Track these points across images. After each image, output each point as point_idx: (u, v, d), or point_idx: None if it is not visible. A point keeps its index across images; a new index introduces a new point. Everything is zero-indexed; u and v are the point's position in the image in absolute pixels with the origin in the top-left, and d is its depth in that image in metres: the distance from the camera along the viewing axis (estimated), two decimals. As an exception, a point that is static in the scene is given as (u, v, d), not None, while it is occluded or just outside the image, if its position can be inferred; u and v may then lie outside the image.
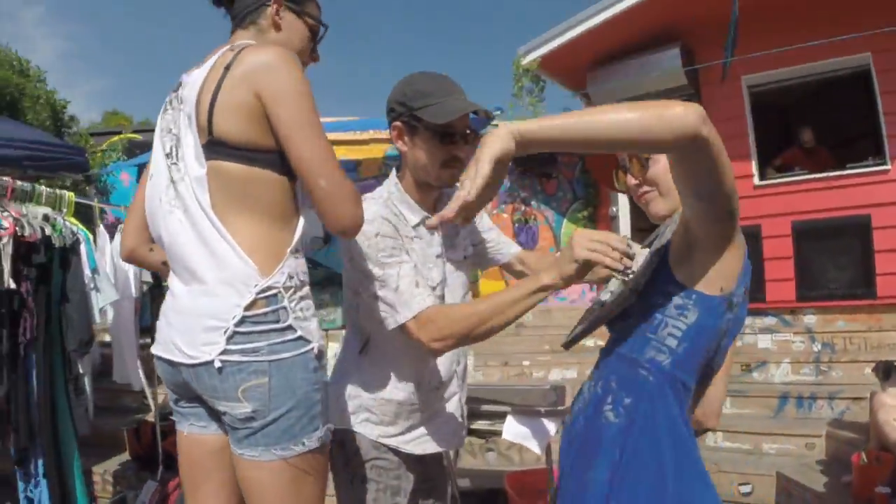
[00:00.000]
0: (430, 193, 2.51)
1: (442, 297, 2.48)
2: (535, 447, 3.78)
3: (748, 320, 8.05)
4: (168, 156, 2.08)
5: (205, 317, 1.94)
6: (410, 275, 2.26)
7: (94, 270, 5.17)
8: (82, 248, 5.01)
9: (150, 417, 6.65)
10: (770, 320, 8.30)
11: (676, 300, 1.79)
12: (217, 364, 1.89)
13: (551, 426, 3.77)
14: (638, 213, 10.08)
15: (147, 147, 10.01)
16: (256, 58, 1.96)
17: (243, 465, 1.99)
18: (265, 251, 1.99)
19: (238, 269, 1.94)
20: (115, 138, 13.56)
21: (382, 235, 2.28)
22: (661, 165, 1.98)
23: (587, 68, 9.62)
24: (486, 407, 3.89)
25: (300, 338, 1.99)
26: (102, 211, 6.32)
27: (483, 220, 2.79)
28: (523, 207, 11.10)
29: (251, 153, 1.96)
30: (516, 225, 11.08)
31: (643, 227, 10.18)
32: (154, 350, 2.13)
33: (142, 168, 9.87)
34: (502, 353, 8.37)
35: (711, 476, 1.85)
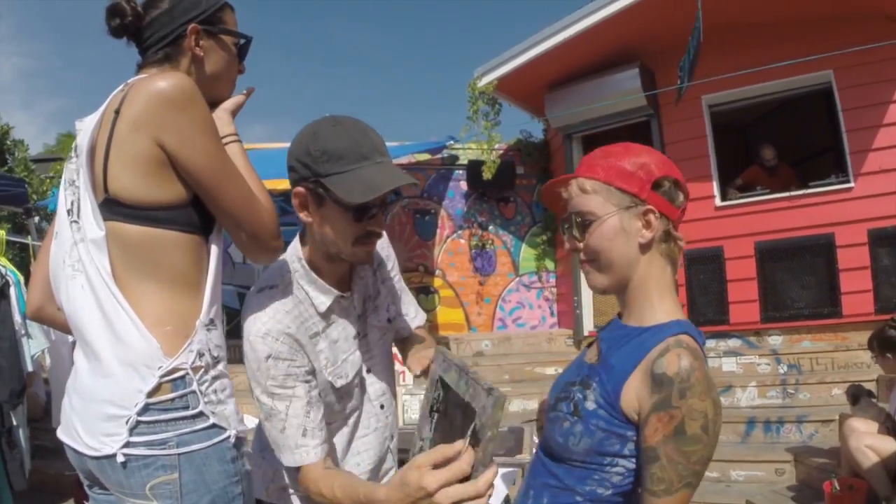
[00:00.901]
0: (343, 265, 2.15)
1: (361, 387, 2.23)
2: (492, 499, 3.62)
3: (712, 343, 8.05)
4: (69, 212, 1.86)
5: (105, 403, 1.70)
6: (300, 416, 1.96)
7: (25, 316, 4.86)
8: (12, 291, 4.75)
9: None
10: (734, 342, 8.22)
11: (631, 445, 1.65)
12: (120, 458, 1.66)
13: (509, 475, 3.64)
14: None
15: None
16: (148, 94, 1.70)
17: None
18: (171, 325, 1.77)
19: (139, 348, 1.71)
20: (60, 165, 13.20)
21: (275, 358, 1.95)
22: (601, 235, 1.75)
23: (545, 90, 9.55)
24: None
25: (213, 426, 1.76)
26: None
27: (398, 279, 2.49)
28: (480, 232, 10.99)
29: (152, 212, 1.74)
30: (473, 250, 10.99)
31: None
32: (59, 433, 1.87)
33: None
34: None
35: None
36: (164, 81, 1.70)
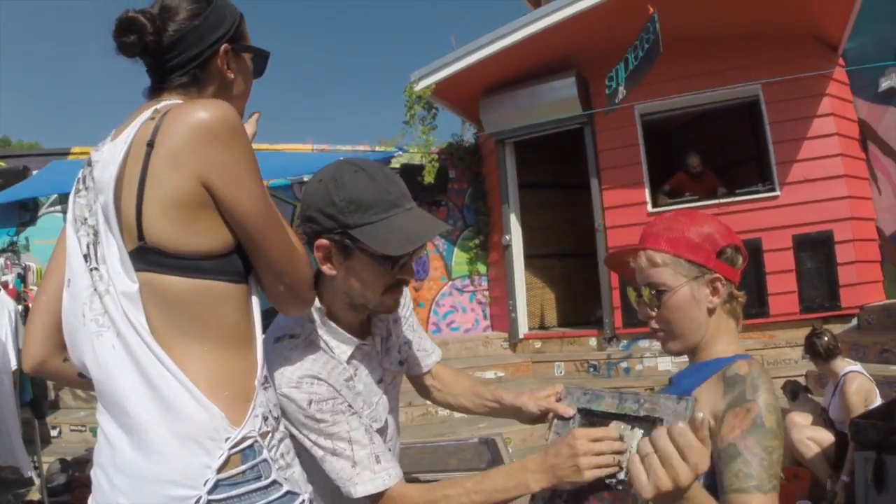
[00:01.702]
0: (364, 313, 2.05)
1: (387, 429, 2.15)
2: None
3: (646, 343, 8.45)
4: (87, 258, 1.58)
5: (165, 483, 1.46)
6: (366, 446, 1.86)
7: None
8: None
9: (36, 494, 6.34)
10: (667, 342, 8.59)
11: None
12: None
13: None
14: (530, 241, 10.33)
15: (12, 177, 9.36)
16: (190, 126, 1.47)
17: None
18: (229, 390, 1.55)
19: (200, 419, 1.48)
20: None
21: (317, 401, 1.84)
22: (674, 306, 1.88)
23: (481, 95, 9.74)
24: (424, 476, 3.75)
25: (288, 493, 1.58)
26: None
27: (410, 317, 2.39)
28: (412, 237, 10.99)
29: (197, 261, 1.51)
30: (405, 255, 11.01)
31: (535, 253, 10.39)
32: None
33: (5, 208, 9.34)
34: (403, 391, 8.33)
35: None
36: (205, 112, 1.48)
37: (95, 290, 1.55)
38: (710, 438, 1.39)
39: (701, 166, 9.65)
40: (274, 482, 1.54)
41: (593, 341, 9.07)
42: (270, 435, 1.59)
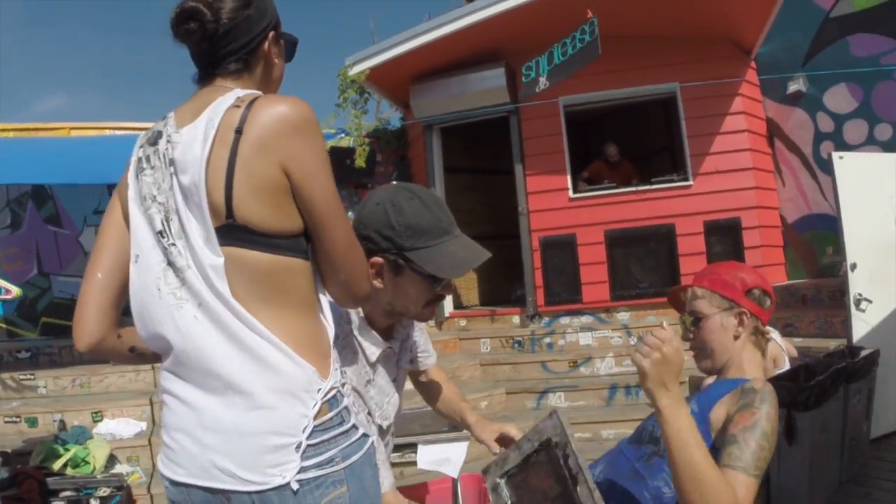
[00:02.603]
0: (396, 319, 2.28)
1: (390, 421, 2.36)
2: (451, 471, 4.10)
3: (567, 320, 8.94)
4: (161, 234, 1.67)
5: (266, 435, 1.61)
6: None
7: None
8: None
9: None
10: (588, 319, 9.18)
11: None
12: (294, 486, 1.60)
13: (462, 447, 4.12)
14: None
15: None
16: (276, 118, 1.61)
17: None
18: (313, 349, 1.71)
19: (295, 374, 1.64)
20: None
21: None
22: (707, 330, 2.34)
23: (411, 81, 9.99)
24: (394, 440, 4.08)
25: (363, 435, 1.76)
26: None
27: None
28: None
29: (278, 239, 1.64)
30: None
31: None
32: (172, 474, 1.72)
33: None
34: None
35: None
36: (288, 107, 1.62)
37: (170, 264, 1.66)
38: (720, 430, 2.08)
39: (618, 156, 10.21)
40: (353, 426, 1.72)
41: (516, 319, 9.46)
42: (346, 386, 1.77)
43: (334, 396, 1.70)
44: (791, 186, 9.52)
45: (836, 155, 6.77)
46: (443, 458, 3.89)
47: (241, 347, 1.61)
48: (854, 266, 6.56)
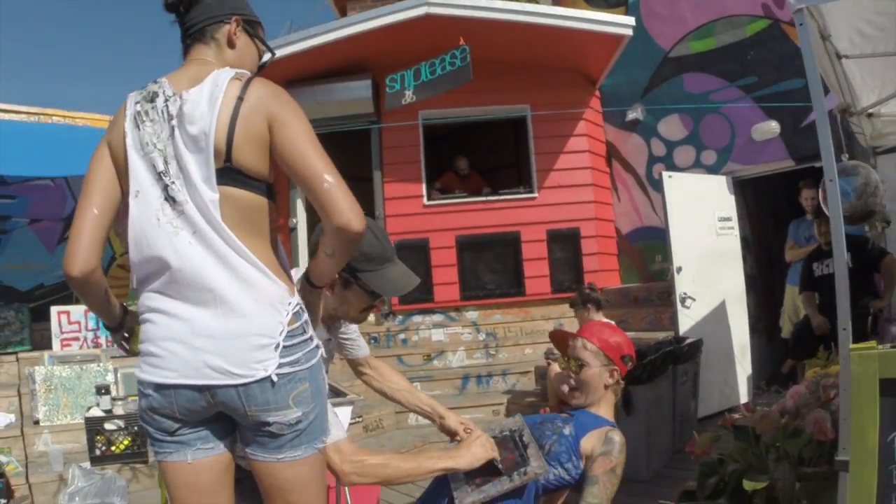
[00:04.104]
0: (333, 320, 2.81)
1: None
2: (339, 432, 4.57)
3: (420, 318, 9.51)
4: (162, 174, 2.01)
5: (252, 336, 1.96)
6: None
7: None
8: None
9: None
10: (439, 317, 9.76)
11: (570, 466, 2.81)
12: (274, 378, 1.96)
13: (347, 411, 4.50)
14: (313, 225, 11.02)
15: None
16: (265, 90, 2.03)
17: (282, 468, 2.07)
18: (281, 273, 2.09)
19: (273, 290, 2.02)
20: None
21: None
22: (588, 376, 2.96)
23: (283, 86, 10.09)
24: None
25: (316, 346, 2.13)
26: None
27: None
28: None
29: (259, 183, 2.03)
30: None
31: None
32: (161, 378, 2.01)
33: None
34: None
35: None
36: (276, 86, 2.08)
37: (168, 198, 2.00)
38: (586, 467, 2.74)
39: (468, 169, 10.89)
40: (311, 337, 2.10)
41: (371, 317, 9.74)
42: (303, 306, 2.13)
43: (299, 310, 2.07)
44: (626, 202, 10.56)
45: (665, 174, 7.83)
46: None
47: (228, 267, 1.96)
48: (680, 269, 7.50)
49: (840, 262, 2.90)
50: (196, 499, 2.11)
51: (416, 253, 9.78)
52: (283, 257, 2.20)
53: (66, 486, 5.29)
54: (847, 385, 2.66)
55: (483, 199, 10.07)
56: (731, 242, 8.27)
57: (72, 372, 6.79)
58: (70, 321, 7.91)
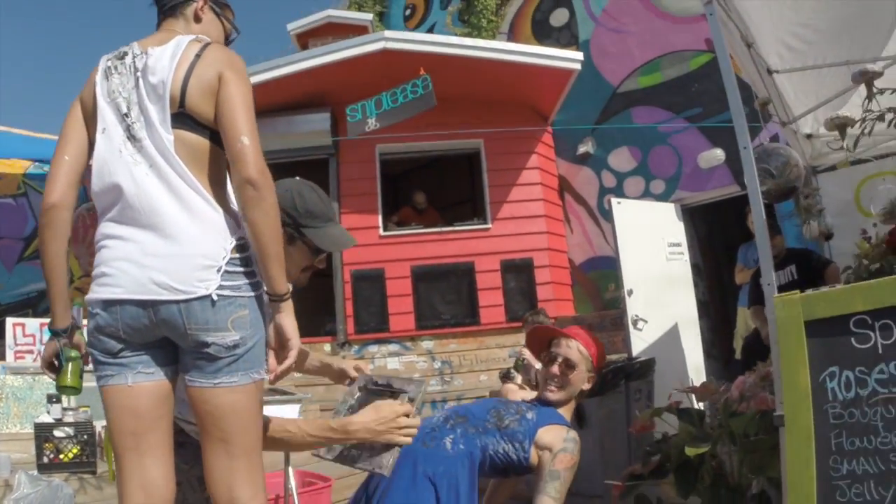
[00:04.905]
0: None
1: None
2: None
3: (376, 348, 9.57)
4: (125, 116, 2.23)
5: (197, 256, 2.11)
6: None
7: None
8: None
9: None
10: (394, 346, 9.80)
11: (521, 449, 3.01)
12: (214, 297, 2.08)
13: (295, 409, 4.69)
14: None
15: None
16: (221, 52, 2.29)
17: (218, 393, 2.14)
18: (229, 210, 2.26)
19: (219, 221, 2.18)
20: None
21: None
22: (572, 375, 3.18)
23: None
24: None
25: (259, 281, 2.23)
26: None
27: None
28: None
29: (207, 129, 2.23)
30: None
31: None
32: (109, 294, 2.15)
33: None
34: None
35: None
36: (231, 52, 2.34)
37: (129, 137, 2.21)
38: (544, 460, 2.89)
39: (425, 203, 11.09)
40: (254, 271, 2.23)
41: (328, 347, 9.90)
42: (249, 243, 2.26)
43: (243, 245, 2.22)
44: (578, 233, 10.76)
45: (614, 200, 8.02)
46: (276, 414, 4.47)
47: (179, 197, 2.15)
48: (631, 291, 7.62)
49: (759, 221, 2.95)
50: (133, 423, 2.17)
51: (371, 283, 9.87)
52: (234, 204, 2.32)
53: (11, 492, 5.20)
54: (776, 336, 2.71)
55: (438, 230, 10.20)
56: (682, 267, 8.42)
57: (24, 382, 6.76)
58: (25, 334, 7.87)
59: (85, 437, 5.87)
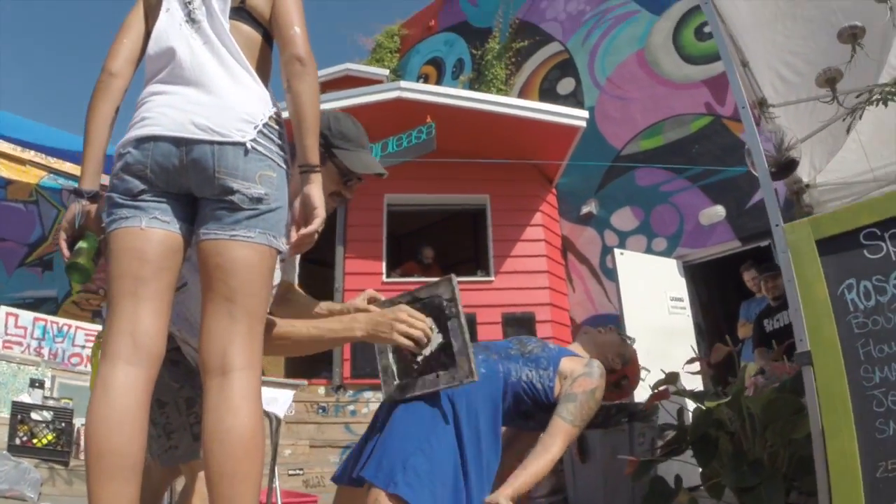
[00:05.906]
0: None
1: None
2: (278, 410, 4.65)
3: (370, 393, 9.76)
4: (188, 2, 2.34)
5: (238, 110, 2.18)
6: None
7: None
8: None
9: None
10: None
11: (545, 378, 2.98)
12: (248, 146, 2.13)
13: (289, 394, 4.75)
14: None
15: None
16: None
17: (233, 246, 2.13)
18: (270, 93, 2.34)
19: (262, 92, 2.27)
20: None
21: None
22: (607, 339, 3.35)
23: None
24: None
25: (287, 159, 2.30)
26: None
27: None
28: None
29: (262, 27, 2.37)
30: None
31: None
32: (146, 132, 2.17)
33: None
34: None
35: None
36: None
37: (191, 18, 2.31)
38: (564, 386, 2.84)
39: (432, 259, 11.18)
40: (284, 146, 2.29)
41: (322, 389, 9.86)
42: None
43: (278, 120, 2.27)
44: (580, 292, 10.80)
45: (618, 251, 8.15)
46: (271, 398, 4.46)
47: (228, 69, 2.24)
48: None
49: (763, 172, 3.05)
50: (137, 266, 2.10)
51: (373, 327, 9.77)
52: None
53: (-22, 469, 5.13)
54: (790, 269, 2.74)
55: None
56: (684, 321, 8.43)
57: (8, 369, 6.77)
58: (17, 325, 7.88)
59: (63, 424, 5.80)
